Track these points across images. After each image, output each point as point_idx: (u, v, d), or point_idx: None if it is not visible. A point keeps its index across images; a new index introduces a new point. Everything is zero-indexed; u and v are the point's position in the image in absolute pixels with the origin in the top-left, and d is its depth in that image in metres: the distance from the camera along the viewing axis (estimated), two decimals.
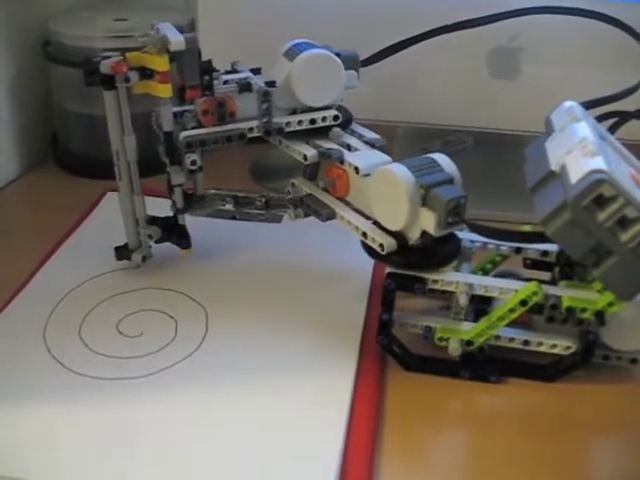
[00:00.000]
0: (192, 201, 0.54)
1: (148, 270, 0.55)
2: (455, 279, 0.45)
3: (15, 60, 0.71)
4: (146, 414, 0.42)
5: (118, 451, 0.40)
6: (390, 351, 0.47)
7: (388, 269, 0.45)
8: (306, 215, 0.52)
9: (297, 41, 0.51)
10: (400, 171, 0.43)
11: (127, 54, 0.49)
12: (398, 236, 0.45)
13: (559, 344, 0.45)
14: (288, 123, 0.50)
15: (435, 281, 0.44)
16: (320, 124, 0.51)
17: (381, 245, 0.45)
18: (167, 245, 0.55)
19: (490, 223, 0.59)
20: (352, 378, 0.45)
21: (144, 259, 0.55)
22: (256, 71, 0.52)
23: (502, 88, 0.66)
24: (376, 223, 0.46)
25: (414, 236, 0.44)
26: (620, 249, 0.37)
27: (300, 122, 0.50)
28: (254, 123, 0.50)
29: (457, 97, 0.66)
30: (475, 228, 0.45)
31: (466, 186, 0.44)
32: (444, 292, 0.46)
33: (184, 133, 0.48)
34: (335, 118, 0.51)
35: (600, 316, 0.43)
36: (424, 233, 0.43)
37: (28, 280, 0.54)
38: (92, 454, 0.40)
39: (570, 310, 0.43)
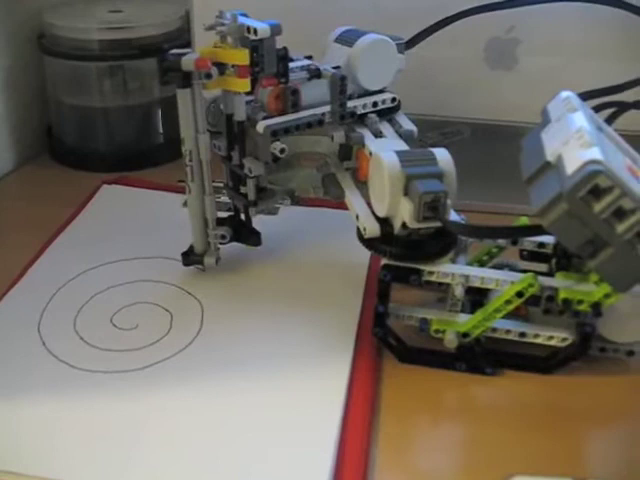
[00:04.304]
0: (260, 193, 0.53)
1: (143, 263, 0.55)
2: (451, 271, 0.44)
3: (9, 52, 0.70)
4: (141, 407, 0.42)
5: (113, 443, 0.40)
6: (386, 343, 0.47)
7: (383, 261, 0.45)
8: (325, 193, 0.53)
9: (346, 28, 0.53)
10: (388, 158, 0.43)
11: (200, 49, 0.47)
12: (389, 225, 0.45)
13: (556, 336, 0.45)
14: (355, 107, 0.51)
15: (431, 273, 0.44)
16: (381, 106, 0.52)
17: (365, 229, 0.45)
18: (164, 239, 0.55)
19: (487, 215, 0.60)
20: (348, 370, 0.45)
21: (217, 262, 0.53)
22: (308, 58, 0.52)
23: (499, 79, 0.65)
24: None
25: (397, 225, 0.44)
26: (616, 240, 0.37)
27: (365, 105, 0.51)
28: (326, 109, 0.50)
29: (454, 88, 0.66)
30: (456, 227, 0.44)
31: (463, 178, 0.44)
32: (440, 284, 0.46)
33: (265, 122, 0.48)
34: (393, 100, 0.52)
35: (597, 308, 0.43)
36: (405, 224, 0.43)
37: (23, 273, 0.54)
38: (87, 446, 0.39)
39: (566, 302, 0.43)
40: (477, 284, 0.44)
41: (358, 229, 0.47)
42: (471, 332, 0.45)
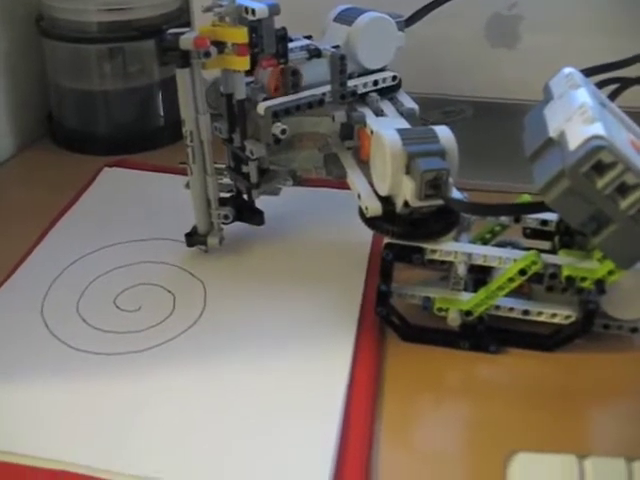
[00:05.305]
0: (262, 174, 0.52)
1: (145, 244, 0.55)
2: (454, 249, 0.44)
3: (8, 36, 0.70)
4: (144, 388, 0.42)
5: (117, 425, 0.40)
6: (389, 322, 0.47)
7: (386, 240, 0.45)
8: (327, 173, 0.53)
9: (345, 6, 0.53)
10: (389, 136, 0.43)
11: (199, 28, 0.47)
12: (391, 204, 0.45)
13: (559, 313, 0.45)
14: (356, 86, 0.50)
15: (433, 251, 0.44)
16: (382, 85, 0.52)
17: (367, 208, 0.45)
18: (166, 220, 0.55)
19: (490, 193, 0.59)
20: (351, 349, 0.45)
21: (221, 242, 0.53)
22: (307, 38, 0.52)
23: (501, 56, 0.65)
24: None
25: (399, 204, 0.44)
26: (620, 217, 0.37)
27: (365, 84, 0.51)
28: (327, 88, 0.49)
29: (456, 66, 0.66)
30: (458, 205, 0.44)
31: (465, 156, 0.44)
32: (443, 262, 0.45)
33: (266, 103, 0.47)
34: (394, 78, 0.52)
35: (600, 285, 0.43)
36: (407, 202, 0.43)
37: (26, 257, 0.54)
38: (91, 428, 0.40)
39: (570, 279, 0.43)
40: (480, 262, 0.44)
41: (360, 208, 0.47)
42: (474, 310, 0.45)
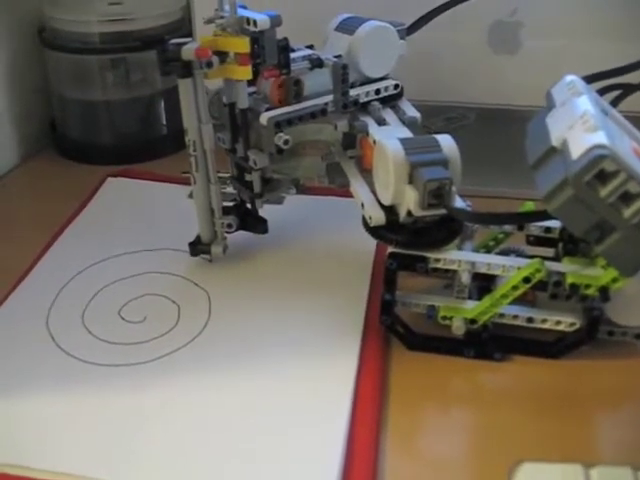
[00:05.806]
0: (265, 184, 0.53)
1: (149, 254, 0.55)
2: (457, 257, 0.44)
3: (11, 47, 0.70)
4: (149, 400, 0.42)
5: (124, 436, 0.40)
6: (393, 331, 0.47)
7: (390, 249, 0.45)
8: (330, 182, 0.53)
9: (346, 15, 0.53)
10: (392, 146, 0.43)
11: (201, 38, 0.47)
12: (394, 213, 0.45)
13: (563, 321, 0.45)
14: (358, 95, 0.50)
15: (437, 260, 0.44)
16: (384, 94, 0.52)
17: (370, 217, 0.45)
18: (170, 230, 0.55)
19: (493, 200, 0.59)
20: (356, 358, 0.45)
21: (224, 251, 0.53)
22: (309, 48, 0.52)
23: (503, 62, 0.65)
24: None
25: (402, 213, 0.44)
26: (623, 225, 0.37)
27: (367, 93, 0.51)
28: (329, 98, 0.49)
29: (458, 73, 0.66)
30: (461, 214, 0.44)
31: (468, 163, 0.44)
32: (447, 271, 0.45)
33: (269, 114, 0.47)
34: (396, 87, 0.52)
35: (604, 292, 0.43)
36: (410, 212, 0.43)
37: (31, 268, 0.54)
38: (96, 440, 0.40)
39: (574, 286, 0.43)
40: (484, 270, 0.44)
41: (364, 217, 0.47)
42: (479, 318, 0.45)
